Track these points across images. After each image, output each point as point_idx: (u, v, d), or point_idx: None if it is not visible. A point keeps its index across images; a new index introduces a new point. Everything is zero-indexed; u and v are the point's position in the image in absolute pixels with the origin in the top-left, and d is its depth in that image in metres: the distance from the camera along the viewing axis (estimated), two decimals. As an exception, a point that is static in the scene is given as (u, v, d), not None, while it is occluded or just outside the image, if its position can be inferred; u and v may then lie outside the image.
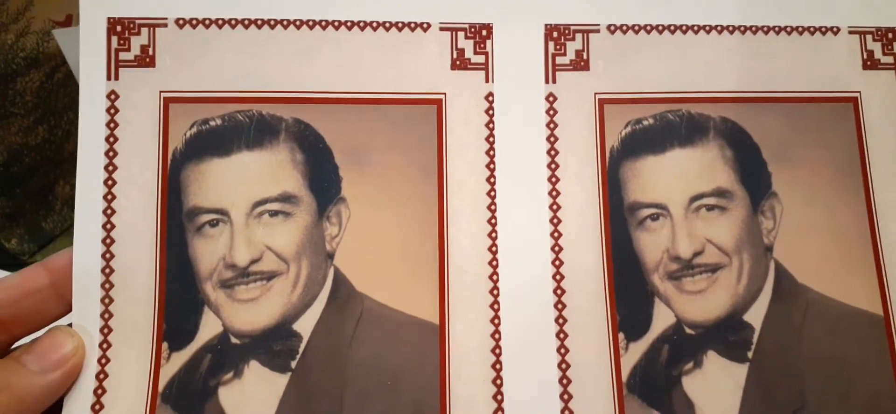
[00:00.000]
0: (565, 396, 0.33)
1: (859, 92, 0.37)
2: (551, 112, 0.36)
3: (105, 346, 0.33)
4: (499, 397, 0.33)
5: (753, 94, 0.37)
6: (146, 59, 0.35)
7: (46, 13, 0.58)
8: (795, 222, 0.36)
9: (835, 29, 0.38)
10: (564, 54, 0.36)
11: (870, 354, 0.35)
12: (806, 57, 0.37)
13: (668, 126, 0.36)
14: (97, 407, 0.32)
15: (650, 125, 0.36)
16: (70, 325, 0.33)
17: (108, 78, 0.34)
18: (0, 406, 0.29)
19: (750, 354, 0.35)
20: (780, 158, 0.36)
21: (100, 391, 0.32)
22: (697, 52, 0.37)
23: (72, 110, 0.59)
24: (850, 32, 0.38)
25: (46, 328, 0.33)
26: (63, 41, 0.51)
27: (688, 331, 0.35)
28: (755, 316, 0.35)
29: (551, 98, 0.36)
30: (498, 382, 0.33)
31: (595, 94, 0.36)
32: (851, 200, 0.36)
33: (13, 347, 0.33)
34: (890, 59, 0.38)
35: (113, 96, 0.34)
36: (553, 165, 0.36)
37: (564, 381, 0.34)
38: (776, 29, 0.37)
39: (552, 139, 0.36)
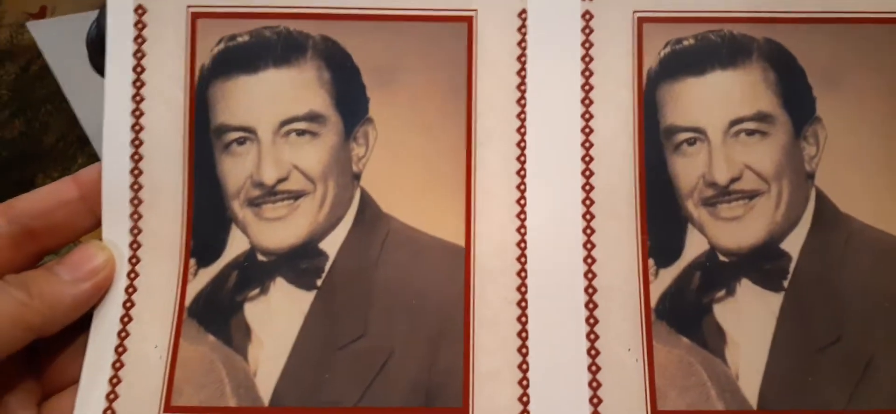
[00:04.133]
0: (591, 320, 0.33)
1: (915, 13, 0.35)
2: (587, 31, 0.35)
3: (134, 260, 0.33)
4: (523, 319, 0.33)
5: (800, 15, 0.35)
6: (173, -27, 0.34)
7: (20, 6, 0.58)
8: (840, 149, 0.34)
9: (891, -56, 0.35)
10: (601, -30, 0.35)
11: None
12: (859, -26, 0.35)
13: (710, 47, 0.35)
14: (126, 319, 0.33)
15: (691, 46, 0.35)
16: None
17: (136, -8, 0.34)
18: (32, 313, 0.30)
19: (786, 283, 0.33)
20: (826, 82, 0.35)
21: (129, 304, 0.33)
22: None
23: (49, 102, 0.59)
24: (909, -52, 0.35)
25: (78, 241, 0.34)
26: (38, 33, 0.51)
27: (721, 258, 0.34)
28: (793, 244, 0.34)
29: (587, 16, 0.35)
30: (523, 304, 0.33)
31: (634, 12, 0.35)
32: None
33: (43, 260, 0.34)
34: (951, -22, 0.35)
35: (140, 11, 0.34)
36: (587, 87, 0.34)
37: (591, 305, 0.33)
38: (827, -55, 0.35)
39: (587, 59, 0.35)
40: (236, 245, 0.34)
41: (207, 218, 0.34)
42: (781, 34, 0.35)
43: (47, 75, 0.59)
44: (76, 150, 0.59)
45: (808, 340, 0.33)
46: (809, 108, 0.34)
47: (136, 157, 0.34)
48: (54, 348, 0.33)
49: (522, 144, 0.34)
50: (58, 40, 0.57)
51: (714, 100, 0.34)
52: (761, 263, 0.34)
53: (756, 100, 0.34)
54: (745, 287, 0.33)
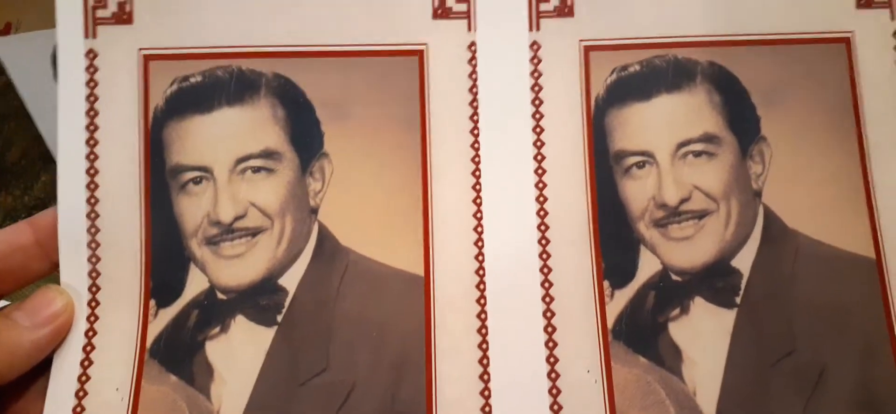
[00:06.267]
0: (550, 344, 0.33)
1: (853, 31, 0.36)
2: (535, 61, 0.35)
3: (93, 303, 0.33)
4: (484, 346, 0.33)
5: (742, 37, 0.36)
6: (123, 16, 0.34)
7: (-16, 22, 0.58)
8: (785, 166, 0.35)
9: (828, -33, 0.37)
10: (548, 1, 0.36)
11: (862, 297, 0.34)
12: (797, -4, 0.36)
13: (655, 72, 0.35)
14: (86, 363, 0.33)
15: (636, 71, 0.36)
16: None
17: (86, 36, 0.34)
18: None
19: (738, 300, 0.34)
20: (769, 102, 0.35)
21: (89, 348, 0.33)
22: None
23: (13, 119, 0.59)
24: (844, -30, 0.37)
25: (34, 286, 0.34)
26: (2, 50, 0.51)
27: (674, 277, 0.34)
28: (743, 261, 0.35)
29: (535, 46, 0.36)
30: (483, 331, 0.33)
31: (580, 41, 0.36)
32: (843, 143, 0.35)
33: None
34: (884, -3, 0.37)
35: (91, 55, 0.34)
36: (538, 115, 0.35)
37: (549, 329, 0.34)
38: (766, -31, 0.36)
39: (537, 88, 0.35)
40: (195, 284, 0.34)
41: (166, 258, 0.34)
42: (724, 56, 0.36)
43: (11, 91, 0.58)
44: (40, 167, 0.59)
45: (762, 353, 0.34)
46: (754, 127, 0.35)
47: (93, 201, 0.34)
48: (14, 393, 0.33)
49: (477, 174, 0.35)
50: (22, 57, 0.57)
51: (661, 123, 0.35)
52: (713, 280, 0.34)
53: (702, 121, 0.35)
54: (699, 305, 0.34)
